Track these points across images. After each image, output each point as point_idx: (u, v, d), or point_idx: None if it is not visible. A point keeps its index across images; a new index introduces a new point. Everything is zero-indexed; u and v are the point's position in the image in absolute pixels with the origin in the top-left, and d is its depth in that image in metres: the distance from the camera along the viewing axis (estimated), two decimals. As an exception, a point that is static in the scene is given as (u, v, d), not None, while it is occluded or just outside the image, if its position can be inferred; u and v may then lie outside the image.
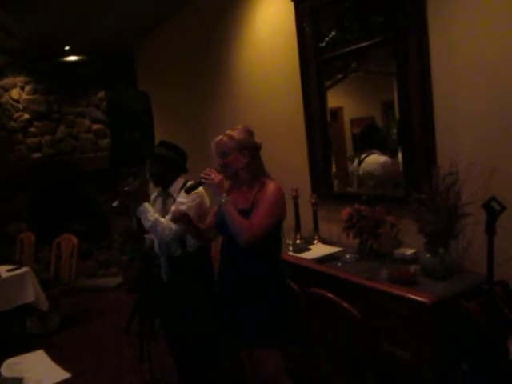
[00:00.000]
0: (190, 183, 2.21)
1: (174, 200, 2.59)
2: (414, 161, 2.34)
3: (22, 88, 5.85)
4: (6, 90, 5.79)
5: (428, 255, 2.07)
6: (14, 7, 3.90)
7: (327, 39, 2.78)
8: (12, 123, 5.83)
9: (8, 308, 3.72)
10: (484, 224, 1.59)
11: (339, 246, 2.70)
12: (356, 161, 2.80)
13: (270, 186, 1.98)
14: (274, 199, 1.95)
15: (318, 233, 2.93)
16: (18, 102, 5.84)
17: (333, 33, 2.73)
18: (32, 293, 3.84)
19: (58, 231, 4.91)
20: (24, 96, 5.85)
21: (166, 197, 2.68)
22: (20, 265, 4.07)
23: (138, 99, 2.94)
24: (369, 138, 2.72)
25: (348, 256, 2.47)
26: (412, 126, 2.32)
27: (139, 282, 3.93)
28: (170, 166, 2.63)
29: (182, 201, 2.50)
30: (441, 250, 2.03)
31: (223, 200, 1.92)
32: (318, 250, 2.72)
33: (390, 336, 1.97)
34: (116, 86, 5.35)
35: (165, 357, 3.12)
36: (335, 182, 2.97)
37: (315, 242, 2.89)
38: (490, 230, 1.57)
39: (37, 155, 5.94)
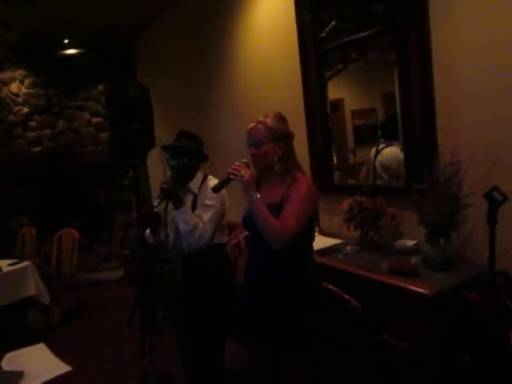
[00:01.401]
0: (216, 182, 2.01)
1: (195, 196, 2.41)
2: (415, 151, 2.33)
3: (22, 82, 5.81)
4: (6, 83, 5.75)
5: (429, 246, 2.06)
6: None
7: (327, 29, 2.75)
8: (11, 117, 5.80)
9: (10, 302, 3.72)
10: (485, 214, 1.58)
11: (340, 238, 2.69)
12: (373, 151, 2.72)
13: (303, 181, 1.85)
14: (307, 195, 1.81)
15: (319, 225, 2.92)
16: (17, 95, 5.80)
17: (333, 23, 2.71)
18: (33, 286, 3.86)
19: (59, 225, 4.92)
20: (23, 90, 5.82)
21: (184, 192, 2.45)
22: (21, 259, 4.08)
23: (137, 91, 2.89)
24: (391, 128, 2.66)
25: (349, 248, 2.47)
26: (413, 116, 2.30)
27: (140, 276, 3.92)
28: (194, 157, 2.46)
29: (209, 203, 2.34)
30: (442, 240, 2.02)
31: (255, 198, 1.76)
32: (319, 242, 2.69)
33: (391, 328, 1.96)
34: (115, 78, 5.31)
35: (167, 350, 3.12)
36: (336, 174, 2.96)
37: (316, 234, 2.87)
38: (492, 220, 1.56)
39: (37, 149, 5.92)
